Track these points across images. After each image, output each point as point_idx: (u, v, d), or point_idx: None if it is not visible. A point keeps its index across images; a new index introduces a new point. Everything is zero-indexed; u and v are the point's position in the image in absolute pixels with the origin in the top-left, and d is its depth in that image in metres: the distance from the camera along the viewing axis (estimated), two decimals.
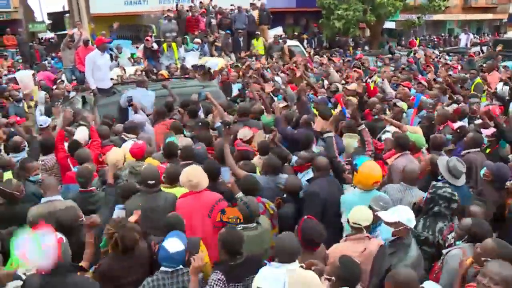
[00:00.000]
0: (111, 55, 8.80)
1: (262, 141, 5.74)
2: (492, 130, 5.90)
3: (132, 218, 3.85)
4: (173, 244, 3.24)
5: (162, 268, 3.25)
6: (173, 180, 4.58)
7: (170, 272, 3.23)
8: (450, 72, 11.58)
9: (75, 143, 5.73)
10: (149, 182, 4.25)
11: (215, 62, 12.21)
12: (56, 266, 3.00)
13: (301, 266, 3.22)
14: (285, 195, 4.67)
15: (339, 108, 6.90)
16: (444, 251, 3.63)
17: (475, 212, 3.92)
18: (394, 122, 6.40)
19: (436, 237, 3.95)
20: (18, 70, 14.18)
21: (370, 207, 3.90)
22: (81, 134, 6.17)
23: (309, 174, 5.01)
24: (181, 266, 3.27)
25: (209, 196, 4.33)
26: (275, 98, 8.62)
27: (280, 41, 15.53)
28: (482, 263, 3.07)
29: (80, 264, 3.51)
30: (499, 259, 2.97)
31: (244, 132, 5.94)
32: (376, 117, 7.15)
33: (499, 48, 14.15)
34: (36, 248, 2.89)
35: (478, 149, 5.52)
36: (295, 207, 4.50)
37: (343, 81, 10.29)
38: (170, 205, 4.24)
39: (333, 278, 3.00)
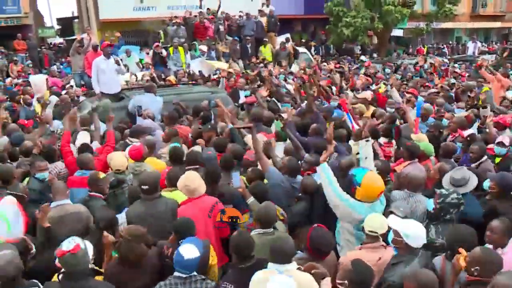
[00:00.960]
0: (118, 61, 8.80)
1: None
2: (508, 139, 5.80)
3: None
4: (189, 250, 3.23)
5: (176, 273, 3.25)
6: (173, 183, 4.58)
7: (183, 278, 3.22)
8: (453, 80, 11.61)
9: (85, 146, 5.73)
10: (142, 187, 4.26)
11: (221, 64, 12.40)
12: (75, 271, 3.02)
13: (299, 268, 3.20)
14: (300, 194, 4.68)
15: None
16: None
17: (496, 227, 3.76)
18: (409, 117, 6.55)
19: None
20: (29, 74, 14.31)
21: (391, 212, 3.87)
22: (83, 139, 6.19)
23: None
24: (195, 273, 3.26)
25: (208, 200, 4.34)
26: (280, 105, 8.64)
27: (285, 42, 15.60)
28: (472, 272, 3.09)
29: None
30: (486, 266, 3.02)
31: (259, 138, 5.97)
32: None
33: (505, 53, 14.07)
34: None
35: (484, 158, 5.41)
36: (307, 206, 4.50)
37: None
38: (170, 211, 4.24)
39: (345, 282, 2.95)
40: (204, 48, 14.29)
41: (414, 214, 4.37)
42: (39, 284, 3.21)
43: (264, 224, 3.88)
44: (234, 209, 4.01)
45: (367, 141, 4.57)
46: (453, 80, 11.85)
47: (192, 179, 4.30)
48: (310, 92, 8.51)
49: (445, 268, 3.43)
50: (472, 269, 3.10)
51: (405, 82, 11.47)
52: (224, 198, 4.51)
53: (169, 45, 14.07)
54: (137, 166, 5.27)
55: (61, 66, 18.66)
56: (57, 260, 3.12)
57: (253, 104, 8.17)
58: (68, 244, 3.04)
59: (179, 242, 3.56)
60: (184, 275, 3.22)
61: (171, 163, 5.40)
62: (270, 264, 3.20)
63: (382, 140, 6.44)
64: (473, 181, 4.58)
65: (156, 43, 14.83)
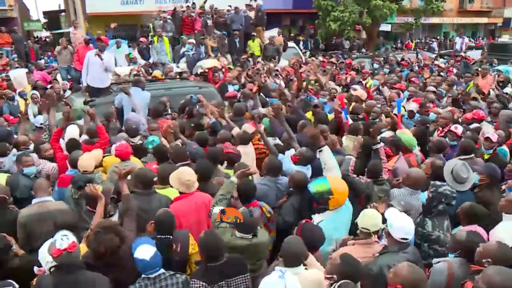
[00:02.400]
0: (99, 55, 8.66)
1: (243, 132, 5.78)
2: (496, 136, 5.87)
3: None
4: (146, 251, 3.20)
5: (144, 275, 3.21)
6: (164, 181, 4.57)
7: (152, 278, 3.20)
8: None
9: (73, 141, 5.64)
10: (146, 183, 4.26)
11: (208, 62, 12.37)
12: (68, 265, 2.99)
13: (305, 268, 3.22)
14: (291, 189, 4.64)
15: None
16: (434, 260, 3.56)
17: None
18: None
19: (446, 236, 3.94)
20: (16, 67, 14.14)
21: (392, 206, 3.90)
22: (72, 132, 6.11)
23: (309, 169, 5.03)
24: (162, 271, 3.25)
25: (204, 196, 4.32)
26: (269, 100, 8.66)
27: (273, 37, 15.61)
28: (482, 263, 3.05)
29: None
30: (499, 261, 2.95)
31: (246, 127, 6.04)
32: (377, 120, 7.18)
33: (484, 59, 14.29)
34: None
35: (472, 155, 5.47)
36: (299, 201, 4.42)
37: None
38: (164, 207, 4.17)
39: (334, 276, 2.95)
40: (193, 41, 14.21)
41: (414, 211, 4.39)
42: (14, 283, 3.15)
43: (246, 227, 3.81)
44: (234, 209, 3.98)
45: (320, 151, 4.51)
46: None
47: (189, 173, 4.31)
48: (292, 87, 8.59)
49: (453, 274, 3.28)
50: (484, 260, 3.04)
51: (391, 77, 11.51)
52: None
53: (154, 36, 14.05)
54: (124, 165, 5.16)
55: (48, 60, 18.46)
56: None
57: (235, 98, 8.19)
58: (62, 242, 2.97)
59: (159, 236, 3.60)
60: (152, 275, 3.20)
61: (157, 160, 5.30)
62: (278, 268, 3.14)
63: (388, 134, 6.39)
64: (472, 178, 4.72)
65: (142, 38, 14.78)
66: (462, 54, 15.87)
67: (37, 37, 28.16)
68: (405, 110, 7.85)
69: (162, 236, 3.66)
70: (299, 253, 3.22)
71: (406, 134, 5.94)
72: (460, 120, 7.12)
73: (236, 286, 3.39)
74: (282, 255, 3.24)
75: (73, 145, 5.54)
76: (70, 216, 4.28)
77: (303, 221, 3.66)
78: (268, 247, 4.03)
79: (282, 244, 3.31)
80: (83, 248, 3.50)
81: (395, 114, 6.82)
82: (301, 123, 6.29)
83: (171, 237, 3.70)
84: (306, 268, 3.27)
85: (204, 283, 3.26)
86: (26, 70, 12.30)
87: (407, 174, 4.74)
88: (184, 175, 4.29)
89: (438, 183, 4.18)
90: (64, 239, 3.00)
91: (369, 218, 3.67)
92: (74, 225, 4.16)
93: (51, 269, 3.05)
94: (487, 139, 5.77)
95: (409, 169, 5.10)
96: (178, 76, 10.95)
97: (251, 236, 3.76)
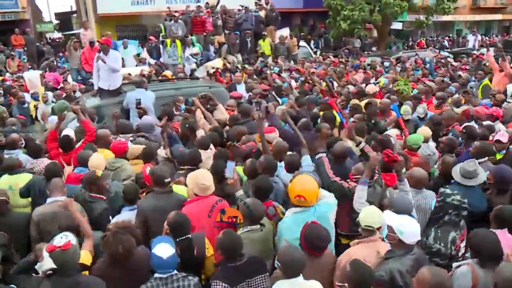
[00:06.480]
0: (103, 59, 8.62)
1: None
2: (507, 136, 5.72)
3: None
4: (164, 249, 3.18)
5: (156, 275, 3.20)
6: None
7: (164, 278, 3.18)
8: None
9: (66, 138, 5.76)
10: (165, 180, 4.28)
11: (215, 62, 12.40)
12: (64, 267, 3.01)
13: None
14: None
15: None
16: (454, 265, 3.48)
17: None
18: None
19: (448, 249, 3.82)
20: (30, 69, 14.29)
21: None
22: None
23: None
24: (175, 272, 3.23)
25: (210, 199, 4.28)
26: (280, 100, 8.63)
27: (285, 38, 15.52)
28: None
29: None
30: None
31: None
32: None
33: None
34: None
35: (486, 158, 5.28)
36: None
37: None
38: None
39: (345, 284, 2.93)
40: (198, 51, 14.24)
41: (423, 210, 4.35)
42: None
43: (252, 220, 3.86)
44: (234, 209, 3.96)
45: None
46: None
47: (206, 177, 4.25)
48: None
49: (476, 278, 3.23)
50: None
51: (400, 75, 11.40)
52: (231, 199, 4.45)
53: (167, 38, 14.06)
54: (114, 162, 5.26)
55: (60, 61, 18.63)
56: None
57: (240, 98, 8.17)
58: (60, 240, 3.03)
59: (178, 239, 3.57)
60: (165, 275, 3.18)
61: (145, 161, 5.29)
62: (278, 283, 3.12)
63: (394, 132, 6.39)
64: (482, 175, 4.60)
65: (152, 36, 14.82)
66: (475, 52, 15.62)
67: (49, 38, 28.40)
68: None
69: (182, 238, 3.61)
70: (298, 263, 3.14)
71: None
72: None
73: (257, 286, 3.40)
74: (282, 266, 3.16)
75: (66, 141, 5.71)
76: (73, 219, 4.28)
77: (309, 221, 3.61)
78: (272, 232, 4.02)
79: (281, 254, 3.23)
80: (87, 255, 3.55)
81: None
82: (302, 122, 6.22)
83: (190, 236, 3.67)
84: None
85: (226, 285, 3.26)
86: (40, 72, 12.40)
87: (410, 173, 4.68)
88: (200, 178, 4.23)
89: (448, 191, 4.02)
90: (63, 238, 3.06)
91: (370, 215, 3.61)
92: (77, 228, 4.16)
93: (48, 273, 3.08)
94: (498, 141, 5.61)
95: (412, 169, 4.97)
96: (186, 77, 10.96)
97: (259, 227, 3.79)
